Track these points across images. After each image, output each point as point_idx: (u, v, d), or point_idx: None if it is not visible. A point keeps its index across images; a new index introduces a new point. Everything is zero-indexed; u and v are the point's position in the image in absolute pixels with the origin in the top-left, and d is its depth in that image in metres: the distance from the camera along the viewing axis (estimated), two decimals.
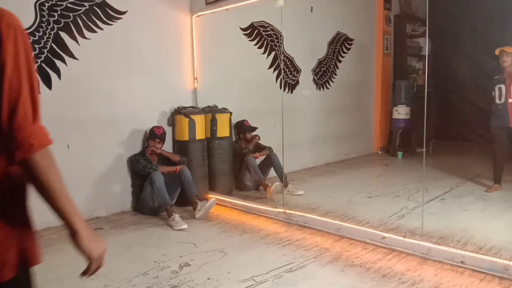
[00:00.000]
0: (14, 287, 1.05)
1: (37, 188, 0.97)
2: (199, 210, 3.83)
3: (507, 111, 4.25)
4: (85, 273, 1.09)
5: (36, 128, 0.92)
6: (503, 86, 4.25)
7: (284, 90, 5.50)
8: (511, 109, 4.24)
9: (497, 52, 4.28)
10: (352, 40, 6.56)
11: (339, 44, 6.38)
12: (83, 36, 3.78)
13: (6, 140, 0.89)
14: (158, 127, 4.10)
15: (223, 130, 4.50)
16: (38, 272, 2.78)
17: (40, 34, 3.54)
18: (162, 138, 4.07)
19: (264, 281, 2.59)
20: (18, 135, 0.89)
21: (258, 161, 4.64)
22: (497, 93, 4.32)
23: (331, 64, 6.28)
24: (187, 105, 4.50)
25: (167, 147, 4.28)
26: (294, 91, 5.75)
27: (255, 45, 5.18)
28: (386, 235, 3.10)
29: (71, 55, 3.72)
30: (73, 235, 1.02)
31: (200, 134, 4.34)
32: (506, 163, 4.44)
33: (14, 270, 1.02)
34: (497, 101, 4.33)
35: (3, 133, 0.88)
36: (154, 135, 4.04)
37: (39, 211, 2.54)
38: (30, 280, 1.04)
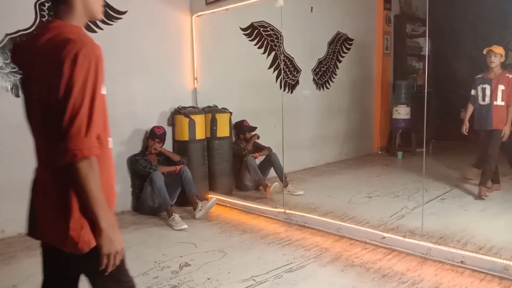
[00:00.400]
0: (86, 261, 1.26)
1: (75, 189, 1.16)
2: (200, 210, 3.83)
3: (491, 114, 4.14)
4: (101, 267, 1.25)
5: (86, 140, 1.13)
6: (488, 87, 4.16)
7: (284, 90, 5.50)
8: (496, 112, 4.13)
9: (485, 51, 4.18)
10: (352, 40, 6.56)
11: (339, 44, 6.38)
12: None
13: (60, 145, 1.11)
14: (158, 127, 4.09)
15: (223, 130, 4.50)
16: (38, 272, 2.77)
17: None
18: (162, 138, 4.07)
19: (264, 281, 2.59)
20: (69, 143, 1.10)
21: (258, 161, 4.64)
22: (480, 93, 4.22)
23: (331, 64, 6.28)
24: (187, 105, 4.50)
25: (167, 147, 4.27)
26: (294, 91, 5.75)
27: (255, 45, 5.18)
28: (386, 235, 3.10)
29: None
30: (98, 232, 1.21)
31: (200, 134, 4.34)
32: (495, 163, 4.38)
33: (87, 246, 1.21)
34: (481, 102, 4.22)
35: (60, 139, 1.12)
36: (154, 135, 4.04)
37: None
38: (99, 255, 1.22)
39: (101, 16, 1.37)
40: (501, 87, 4.10)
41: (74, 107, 1.12)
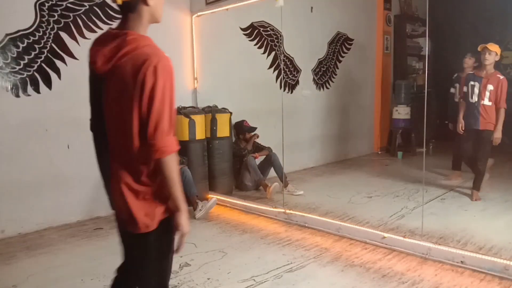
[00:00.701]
0: (156, 237, 1.48)
1: (162, 177, 1.38)
2: (200, 210, 3.83)
3: (479, 113, 4.03)
4: (177, 248, 1.55)
5: (169, 139, 1.36)
6: (477, 85, 4.04)
7: (284, 90, 5.50)
8: (483, 112, 4.01)
9: (479, 48, 4.07)
10: (352, 40, 6.56)
11: (339, 44, 6.38)
12: (83, 36, 3.78)
13: (149, 146, 1.34)
14: None
15: (223, 130, 4.50)
16: (38, 272, 2.78)
17: (40, 34, 3.54)
18: None
19: (264, 281, 2.59)
20: (157, 143, 1.33)
21: (258, 161, 4.64)
22: (469, 90, 4.10)
23: (331, 64, 6.28)
24: (187, 105, 4.50)
25: None
26: (294, 91, 5.75)
27: (255, 45, 5.18)
28: (386, 235, 3.10)
29: (71, 55, 3.72)
30: (176, 212, 1.44)
31: (200, 134, 4.34)
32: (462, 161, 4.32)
33: (157, 223, 1.45)
34: (469, 99, 4.11)
35: (147, 142, 1.35)
36: None
37: (39, 212, 2.54)
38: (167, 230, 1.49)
39: (161, 19, 1.56)
40: (489, 87, 4.00)
41: (158, 113, 1.33)
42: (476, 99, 4.06)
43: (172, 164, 1.37)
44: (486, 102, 4.00)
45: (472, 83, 4.08)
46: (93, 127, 1.66)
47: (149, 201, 1.43)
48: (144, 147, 1.37)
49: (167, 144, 1.35)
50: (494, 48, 3.98)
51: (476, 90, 4.03)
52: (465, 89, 4.18)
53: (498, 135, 3.97)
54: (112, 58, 1.37)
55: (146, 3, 1.42)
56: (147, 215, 1.43)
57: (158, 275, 1.58)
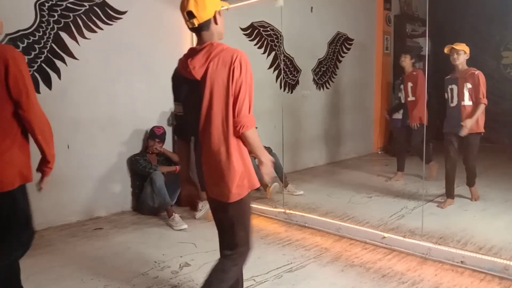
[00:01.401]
0: (241, 205, 1.86)
1: (248, 146, 1.81)
2: (200, 210, 3.83)
3: (460, 115, 3.80)
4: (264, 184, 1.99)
5: (250, 117, 1.76)
6: (455, 87, 3.85)
7: (284, 90, 5.50)
8: (465, 113, 3.79)
9: (446, 50, 3.91)
10: (352, 40, 6.56)
11: (339, 44, 6.38)
12: (83, 36, 3.78)
13: (235, 123, 1.74)
14: (158, 127, 4.09)
15: None
16: (38, 272, 2.77)
17: (40, 34, 3.54)
18: (162, 138, 4.07)
19: (264, 281, 2.59)
20: (241, 120, 1.73)
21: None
22: (449, 94, 3.90)
23: (331, 64, 6.28)
24: None
25: (167, 147, 4.27)
26: (294, 91, 5.75)
27: (255, 45, 5.18)
28: (386, 235, 3.10)
29: (71, 55, 3.72)
30: (260, 164, 1.87)
31: None
32: (456, 174, 3.98)
33: (246, 192, 1.84)
34: (450, 103, 3.90)
35: (234, 120, 1.74)
36: (154, 135, 4.04)
37: (39, 212, 2.54)
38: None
39: (224, 36, 1.91)
40: (468, 85, 3.80)
41: (240, 100, 1.73)
42: (457, 102, 3.84)
43: (254, 136, 1.79)
44: (467, 102, 3.80)
45: (450, 86, 3.90)
46: (185, 126, 1.98)
47: (240, 176, 1.79)
48: (232, 126, 1.75)
49: (249, 120, 1.75)
50: (462, 47, 3.83)
51: (455, 93, 3.85)
52: (446, 95, 3.98)
53: (469, 125, 3.68)
54: (206, 61, 1.74)
55: (216, 23, 1.80)
56: (238, 187, 1.79)
57: (248, 231, 1.95)
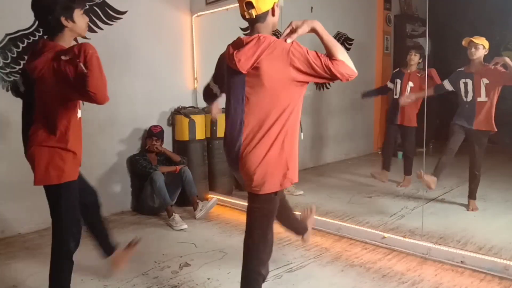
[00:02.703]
0: (274, 197, 1.85)
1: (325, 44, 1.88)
2: (200, 210, 3.83)
3: (474, 112, 3.74)
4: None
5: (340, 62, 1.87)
6: (469, 82, 3.74)
7: None
8: (479, 109, 3.73)
9: (464, 43, 3.79)
10: (352, 40, 6.56)
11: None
12: (83, 36, 3.77)
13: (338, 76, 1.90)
14: (155, 126, 4.10)
15: (223, 130, 4.48)
16: (38, 272, 2.77)
17: (40, 34, 3.54)
18: (159, 136, 4.07)
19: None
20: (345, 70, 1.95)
21: None
22: (462, 88, 3.80)
23: None
24: (187, 105, 4.50)
25: (167, 147, 4.27)
26: None
27: None
28: (386, 235, 3.10)
29: None
30: (314, 30, 1.94)
31: (200, 134, 4.34)
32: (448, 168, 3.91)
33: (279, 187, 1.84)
34: (464, 98, 3.83)
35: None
36: (151, 133, 4.05)
37: (39, 212, 2.54)
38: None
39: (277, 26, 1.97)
40: (484, 81, 3.71)
41: (326, 60, 1.84)
42: (472, 97, 3.76)
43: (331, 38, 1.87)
44: (483, 98, 3.73)
45: (464, 80, 3.79)
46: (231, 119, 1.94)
47: (271, 167, 1.78)
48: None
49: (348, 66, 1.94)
50: (480, 40, 3.68)
51: (470, 88, 3.77)
52: (449, 86, 3.97)
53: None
54: (253, 55, 1.73)
55: (273, 14, 1.87)
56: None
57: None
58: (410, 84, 4.54)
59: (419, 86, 4.50)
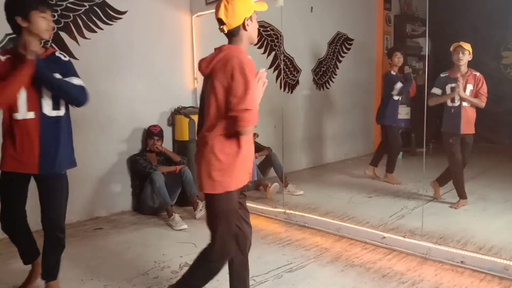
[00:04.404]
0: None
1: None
2: (200, 210, 3.82)
3: (460, 116, 3.80)
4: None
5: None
6: (455, 87, 3.78)
7: (284, 90, 5.49)
8: (465, 114, 3.80)
9: (452, 48, 3.87)
10: (352, 40, 6.56)
11: (339, 44, 6.38)
12: (83, 36, 3.78)
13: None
14: (154, 126, 4.10)
15: None
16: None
17: None
18: (159, 135, 4.07)
19: (264, 281, 2.59)
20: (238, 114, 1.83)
21: (257, 161, 4.63)
22: (448, 93, 3.85)
23: (331, 64, 6.28)
24: (187, 105, 4.50)
25: (167, 147, 4.27)
26: (294, 91, 5.75)
27: (255, 45, 5.14)
28: (386, 235, 3.10)
29: (71, 55, 3.71)
30: None
31: None
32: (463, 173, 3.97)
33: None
34: (450, 103, 3.87)
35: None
36: (151, 133, 4.05)
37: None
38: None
39: (256, 40, 2.06)
40: (469, 87, 3.83)
41: (240, 92, 1.83)
42: (458, 102, 3.82)
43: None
44: (468, 104, 3.78)
45: (451, 85, 3.85)
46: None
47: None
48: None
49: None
50: (468, 46, 3.81)
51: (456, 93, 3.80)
52: (437, 91, 3.97)
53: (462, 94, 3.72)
54: (210, 63, 1.89)
55: (245, 29, 1.92)
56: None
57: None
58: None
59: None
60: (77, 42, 3.74)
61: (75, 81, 2.31)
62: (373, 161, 5.22)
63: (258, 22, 2.16)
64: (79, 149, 3.81)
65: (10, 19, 2.13)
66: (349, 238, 3.27)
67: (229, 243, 1.96)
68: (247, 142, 1.92)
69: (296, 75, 5.77)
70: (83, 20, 3.77)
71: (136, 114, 4.19)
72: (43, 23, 2.16)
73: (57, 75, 2.21)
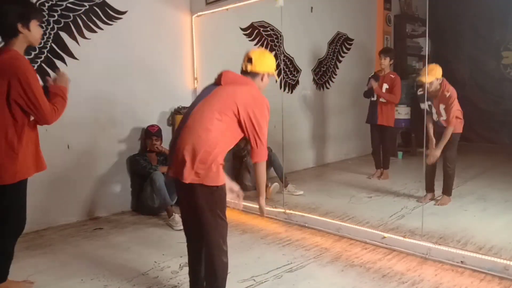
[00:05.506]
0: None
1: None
2: None
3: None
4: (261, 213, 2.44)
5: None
6: (432, 105, 3.93)
7: (284, 90, 5.50)
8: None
9: (419, 82, 4.02)
10: (352, 40, 6.56)
11: (339, 44, 6.38)
12: (83, 36, 3.78)
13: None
14: (152, 126, 4.11)
15: None
16: (38, 272, 2.77)
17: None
18: (158, 135, 4.07)
19: (264, 281, 2.59)
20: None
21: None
22: (430, 109, 3.96)
23: (331, 64, 6.28)
24: (187, 105, 4.49)
25: (167, 147, 4.27)
26: (294, 91, 5.75)
27: (255, 45, 5.17)
28: (386, 235, 3.10)
29: (71, 55, 3.72)
30: (258, 196, 2.47)
31: None
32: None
33: None
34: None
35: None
36: (149, 133, 4.05)
37: (39, 212, 2.53)
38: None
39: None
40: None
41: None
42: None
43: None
44: (444, 117, 3.86)
45: (429, 103, 3.94)
46: None
47: None
48: None
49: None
50: (432, 76, 3.79)
51: (434, 110, 3.93)
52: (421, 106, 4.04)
53: (437, 152, 3.84)
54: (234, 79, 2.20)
55: (261, 79, 2.24)
56: None
57: None
58: (385, 85, 4.98)
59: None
60: (77, 42, 3.74)
61: None
62: (377, 164, 5.28)
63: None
64: (80, 149, 3.84)
65: (8, 23, 2.17)
66: (349, 238, 3.26)
67: None
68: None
69: (296, 75, 5.77)
70: (83, 20, 3.77)
71: (136, 114, 4.19)
72: (40, 32, 2.28)
73: None
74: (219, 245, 2.12)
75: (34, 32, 2.24)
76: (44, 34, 3.55)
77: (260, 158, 2.19)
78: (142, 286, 2.57)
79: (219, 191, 2.05)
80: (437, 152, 3.84)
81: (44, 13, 3.53)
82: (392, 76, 4.96)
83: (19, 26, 2.18)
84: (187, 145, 1.98)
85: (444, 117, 3.86)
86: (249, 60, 2.16)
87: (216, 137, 2.00)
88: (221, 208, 2.10)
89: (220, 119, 2.02)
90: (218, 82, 2.20)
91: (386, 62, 4.97)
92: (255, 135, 2.10)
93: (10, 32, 2.19)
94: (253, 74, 2.17)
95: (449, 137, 3.78)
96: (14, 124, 2.19)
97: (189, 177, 1.97)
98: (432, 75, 3.79)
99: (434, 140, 3.94)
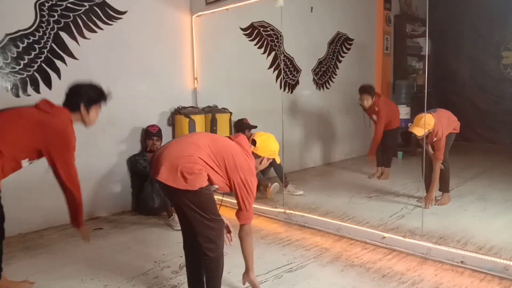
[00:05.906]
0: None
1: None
2: None
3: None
4: None
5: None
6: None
7: (284, 90, 5.50)
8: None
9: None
10: (352, 40, 6.56)
11: (339, 44, 6.38)
12: (83, 36, 3.78)
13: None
14: (152, 126, 4.11)
15: (223, 130, 4.50)
16: (38, 272, 2.77)
17: (40, 34, 3.54)
18: (158, 135, 4.07)
19: (264, 281, 2.59)
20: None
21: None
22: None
23: (331, 64, 6.28)
24: (187, 105, 4.50)
25: None
26: (294, 91, 5.75)
27: (255, 45, 5.18)
28: (386, 235, 3.10)
29: (71, 55, 3.72)
30: (247, 272, 2.42)
31: None
32: None
33: None
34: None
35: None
36: (150, 134, 4.05)
37: (39, 212, 2.53)
38: None
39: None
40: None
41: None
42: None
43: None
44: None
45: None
46: None
47: None
48: None
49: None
50: (418, 131, 3.70)
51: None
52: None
53: (432, 196, 3.90)
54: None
55: (260, 162, 2.43)
56: None
57: None
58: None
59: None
60: (77, 42, 3.74)
61: None
62: (378, 162, 5.31)
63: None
64: (80, 149, 3.83)
65: (75, 100, 2.38)
66: (349, 238, 3.27)
67: None
68: None
69: (296, 75, 5.77)
70: (83, 20, 3.77)
71: (136, 114, 4.19)
72: (97, 116, 2.49)
73: None
74: (211, 241, 2.20)
75: (92, 115, 2.45)
76: (44, 34, 3.56)
77: (246, 221, 2.34)
78: (142, 286, 2.57)
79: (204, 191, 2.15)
80: (433, 195, 3.92)
81: (44, 13, 3.54)
82: (376, 108, 4.97)
83: (82, 106, 2.38)
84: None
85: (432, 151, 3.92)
86: (253, 142, 2.32)
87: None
88: (210, 208, 2.22)
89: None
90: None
91: (369, 102, 4.98)
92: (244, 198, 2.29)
93: (72, 106, 2.38)
94: (254, 155, 2.32)
95: (439, 172, 3.85)
96: (20, 151, 2.38)
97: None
98: (423, 127, 3.67)
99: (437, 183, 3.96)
